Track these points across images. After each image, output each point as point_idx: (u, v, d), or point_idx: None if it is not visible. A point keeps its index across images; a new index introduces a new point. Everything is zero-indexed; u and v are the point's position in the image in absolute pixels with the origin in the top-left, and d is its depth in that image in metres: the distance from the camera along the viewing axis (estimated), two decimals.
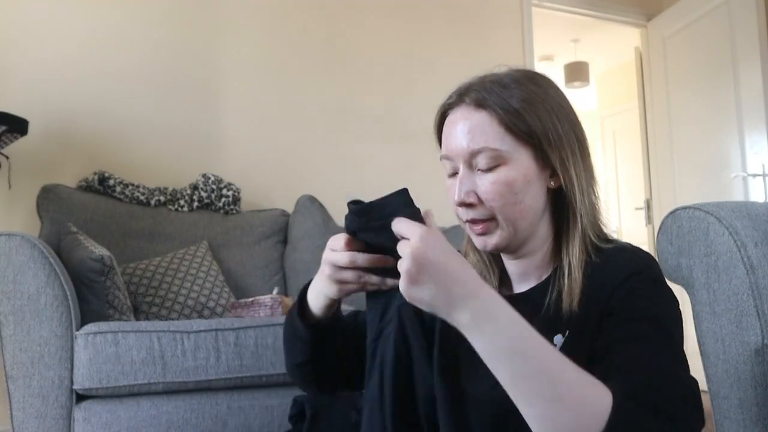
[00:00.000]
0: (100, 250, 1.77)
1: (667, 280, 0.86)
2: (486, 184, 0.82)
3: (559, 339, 0.81)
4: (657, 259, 1.09)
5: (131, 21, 2.63)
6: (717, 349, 0.99)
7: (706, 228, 0.99)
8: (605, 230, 0.88)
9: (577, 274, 0.82)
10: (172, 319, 1.99)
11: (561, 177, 0.84)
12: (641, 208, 4.06)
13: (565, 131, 0.84)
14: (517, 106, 0.82)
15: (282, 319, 1.74)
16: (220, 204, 2.51)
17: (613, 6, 3.80)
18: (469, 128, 0.83)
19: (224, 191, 2.53)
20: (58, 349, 1.52)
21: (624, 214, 5.37)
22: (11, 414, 1.52)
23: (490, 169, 0.82)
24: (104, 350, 1.53)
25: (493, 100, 0.82)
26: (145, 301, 2.01)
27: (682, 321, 0.80)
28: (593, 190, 0.87)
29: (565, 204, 0.86)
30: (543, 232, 0.88)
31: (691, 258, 1.02)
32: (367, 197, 0.83)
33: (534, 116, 0.82)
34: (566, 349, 0.78)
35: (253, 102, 2.81)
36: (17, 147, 2.26)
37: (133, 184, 2.41)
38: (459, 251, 0.94)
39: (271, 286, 2.39)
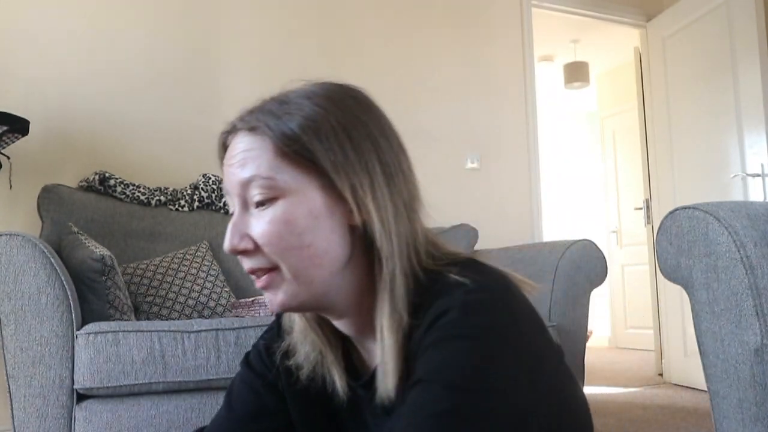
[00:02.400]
0: (100, 250, 1.78)
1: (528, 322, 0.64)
2: (261, 224, 0.66)
3: None
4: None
5: (132, 21, 2.63)
6: (716, 348, 1.00)
7: (705, 228, 1.00)
8: (440, 255, 0.69)
9: (391, 341, 0.63)
10: (173, 319, 1.99)
11: (356, 210, 0.66)
12: (641, 208, 4.06)
13: (359, 153, 0.67)
14: (293, 125, 0.66)
15: None
16: (221, 204, 2.52)
17: (613, 6, 3.80)
18: (241, 156, 0.68)
19: None
20: (59, 348, 1.53)
21: (623, 214, 5.38)
22: (12, 414, 1.52)
23: (264, 205, 0.66)
24: (105, 350, 1.53)
25: (265, 121, 0.68)
26: (145, 301, 2.01)
27: (518, 373, 0.59)
28: (409, 217, 0.68)
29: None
30: (352, 281, 0.68)
31: (691, 258, 1.03)
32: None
33: (313, 137, 0.66)
34: None
35: (253, 102, 2.81)
36: (18, 147, 2.27)
37: (133, 184, 2.41)
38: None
39: None
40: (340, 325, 0.72)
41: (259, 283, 0.68)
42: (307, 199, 0.66)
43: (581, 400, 0.71)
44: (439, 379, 0.57)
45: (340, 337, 0.76)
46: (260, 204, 0.66)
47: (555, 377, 0.67)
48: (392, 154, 0.70)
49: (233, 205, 0.69)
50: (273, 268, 0.67)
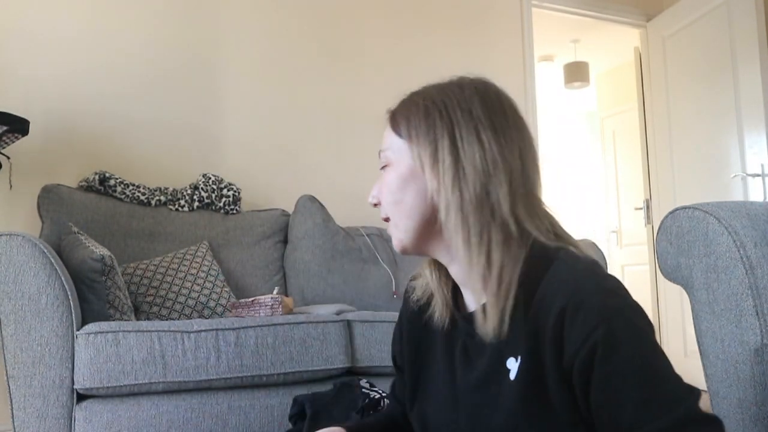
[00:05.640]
0: (100, 250, 1.77)
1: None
2: (378, 184, 0.87)
3: (512, 362, 0.76)
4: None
5: (132, 22, 2.63)
6: (716, 348, 1.00)
7: (705, 228, 1.00)
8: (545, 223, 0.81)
9: (503, 288, 0.77)
10: (173, 319, 1.99)
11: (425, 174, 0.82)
12: (641, 208, 4.06)
13: (431, 123, 0.81)
14: (397, 105, 0.87)
15: (282, 318, 1.75)
16: (221, 204, 2.51)
17: (613, 6, 3.80)
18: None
19: (224, 191, 2.53)
20: (59, 348, 1.52)
21: (623, 214, 5.37)
22: (12, 414, 1.52)
23: (383, 170, 0.86)
24: (105, 350, 1.53)
25: (391, 108, 0.88)
26: (145, 301, 2.01)
27: (644, 319, 0.73)
28: (483, 188, 0.78)
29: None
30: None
31: (691, 258, 1.02)
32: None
33: (403, 112, 0.84)
34: (521, 374, 0.74)
35: (254, 102, 2.82)
36: (18, 147, 2.27)
37: (133, 184, 2.41)
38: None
39: (272, 286, 2.40)
40: (450, 270, 0.86)
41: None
42: (400, 167, 0.83)
43: None
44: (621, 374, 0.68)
45: (450, 289, 0.90)
46: (383, 168, 0.86)
47: None
48: (471, 129, 0.80)
49: None
50: (388, 219, 0.86)
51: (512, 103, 0.87)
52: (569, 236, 0.82)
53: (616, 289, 0.73)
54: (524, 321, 0.75)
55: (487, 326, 0.77)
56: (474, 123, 0.80)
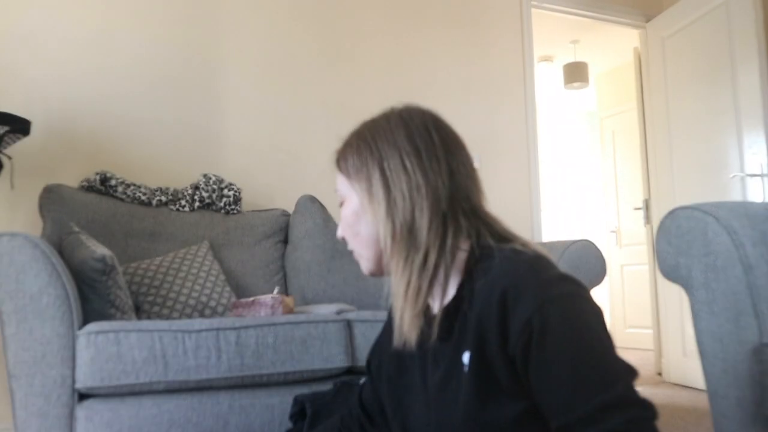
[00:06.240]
0: (101, 250, 1.78)
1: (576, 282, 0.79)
2: (341, 219, 0.95)
3: (466, 357, 0.81)
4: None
5: (133, 21, 2.63)
6: (715, 348, 1.00)
7: (704, 228, 1.00)
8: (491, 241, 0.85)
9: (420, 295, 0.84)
10: (174, 319, 1.99)
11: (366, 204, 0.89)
12: (640, 209, 4.07)
13: (364, 159, 0.89)
14: (340, 146, 0.94)
15: (283, 318, 1.75)
16: (221, 204, 2.52)
17: (613, 7, 3.81)
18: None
19: (225, 191, 2.54)
20: (60, 348, 1.53)
21: (623, 214, 5.39)
22: (14, 413, 1.53)
23: (341, 206, 0.94)
24: (106, 349, 1.53)
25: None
26: (146, 301, 2.02)
27: (585, 306, 0.75)
28: (415, 207, 0.85)
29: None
30: None
31: (690, 258, 1.03)
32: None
33: (342, 156, 0.93)
34: (471, 366, 0.79)
35: (254, 102, 2.82)
36: (20, 147, 2.27)
37: (134, 184, 2.41)
38: None
39: (272, 285, 2.40)
40: None
41: None
42: (353, 202, 0.91)
43: None
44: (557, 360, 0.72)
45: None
46: (341, 205, 0.94)
47: None
48: (397, 159, 0.87)
49: None
50: (352, 251, 0.94)
51: (439, 122, 0.92)
52: (513, 235, 0.88)
53: (554, 279, 0.76)
54: (470, 315, 0.80)
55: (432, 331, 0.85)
56: (399, 152, 0.87)
